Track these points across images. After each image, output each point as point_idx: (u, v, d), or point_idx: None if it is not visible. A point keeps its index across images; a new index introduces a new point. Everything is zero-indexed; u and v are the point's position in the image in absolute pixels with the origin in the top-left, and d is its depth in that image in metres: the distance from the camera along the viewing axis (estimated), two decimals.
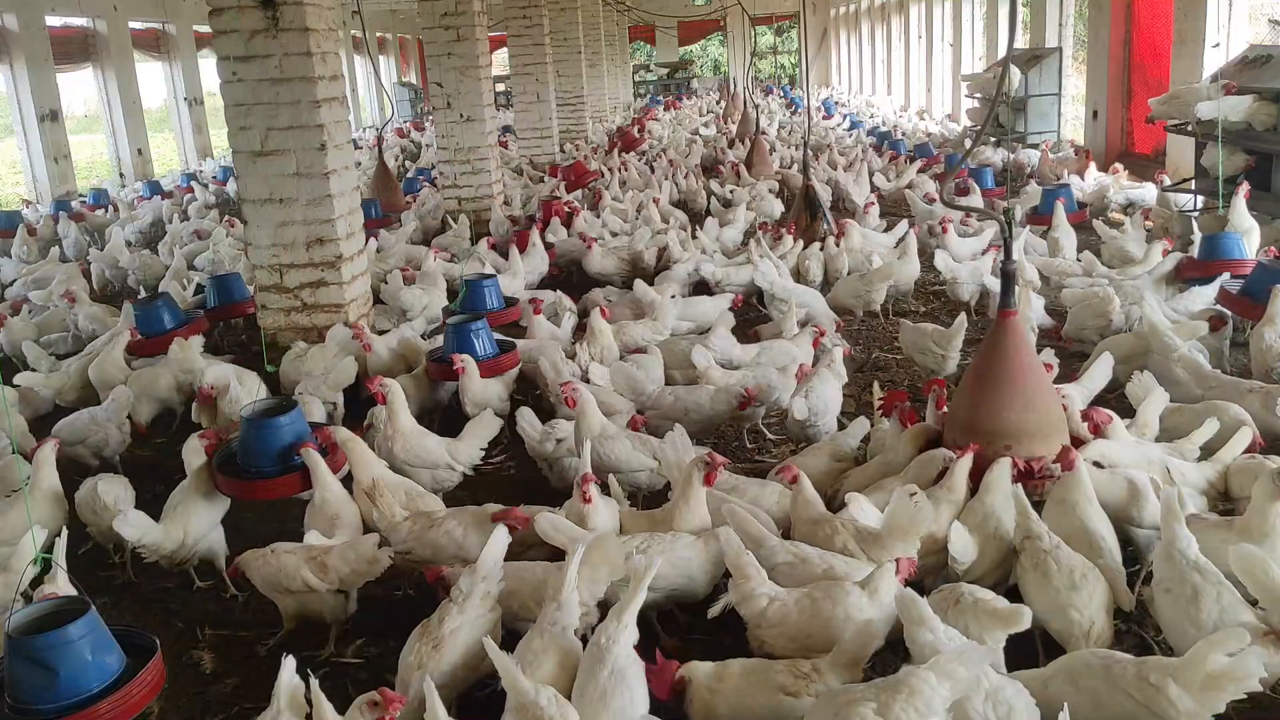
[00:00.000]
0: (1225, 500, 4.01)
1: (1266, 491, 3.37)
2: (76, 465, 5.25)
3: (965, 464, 3.88)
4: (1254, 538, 3.33)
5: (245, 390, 5.63)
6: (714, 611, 3.37)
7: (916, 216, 9.70)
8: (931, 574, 3.65)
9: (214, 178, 16.83)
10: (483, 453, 4.95)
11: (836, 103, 25.80)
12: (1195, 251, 6.67)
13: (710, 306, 6.93)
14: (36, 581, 3.76)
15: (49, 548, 3.74)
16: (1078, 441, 4.07)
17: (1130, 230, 8.08)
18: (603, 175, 13.17)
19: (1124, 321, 6.04)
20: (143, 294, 8.65)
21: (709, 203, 11.52)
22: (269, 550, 3.78)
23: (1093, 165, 11.66)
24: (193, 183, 15.76)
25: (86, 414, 5.49)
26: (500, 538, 3.41)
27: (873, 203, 9.96)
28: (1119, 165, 11.66)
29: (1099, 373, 4.95)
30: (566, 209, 10.29)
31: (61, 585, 3.59)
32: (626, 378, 5.41)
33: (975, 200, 9.84)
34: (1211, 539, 3.36)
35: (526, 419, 4.92)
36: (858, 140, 16.89)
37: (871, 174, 12.39)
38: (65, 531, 3.93)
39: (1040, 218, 8.79)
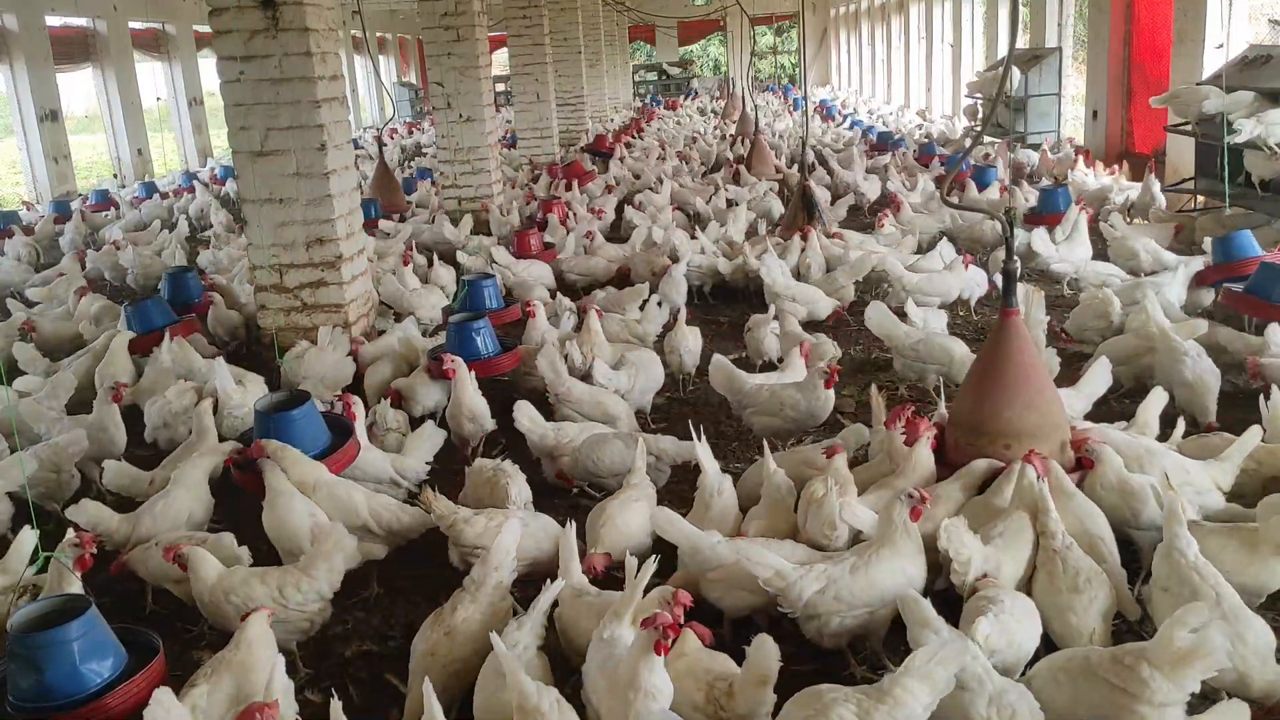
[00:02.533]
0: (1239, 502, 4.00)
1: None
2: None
3: (981, 466, 3.91)
4: (1262, 552, 3.33)
5: (249, 393, 5.61)
6: None
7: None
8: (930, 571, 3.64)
9: (215, 177, 16.85)
10: (428, 466, 4.85)
11: (840, 104, 25.80)
12: (1209, 253, 6.71)
13: (954, 281, 7.04)
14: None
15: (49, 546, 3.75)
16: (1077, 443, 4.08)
17: (1133, 230, 8.08)
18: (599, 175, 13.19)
19: (1122, 323, 6.05)
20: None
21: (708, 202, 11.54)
22: (152, 544, 3.95)
23: (1081, 161, 11.64)
24: (193, 183, 15.77)
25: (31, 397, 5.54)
26: (514, 528, 3.44)
27: (886, 215, 9.94)
28: (1116, 166, 11.65)
29: (1098, 378, 4.92)
30: (567, 208, 10.32)
31: (65, 583, 3.60)
32: (725, 375, 5.22)
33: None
34: (1210, 546, 3.33)
35: (526, 413, 4.86)
36: (840, 139, 16.93)
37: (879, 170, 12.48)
38: (71, 530, 3.93)
39: (1037, 217, 8.79)
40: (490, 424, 5.33)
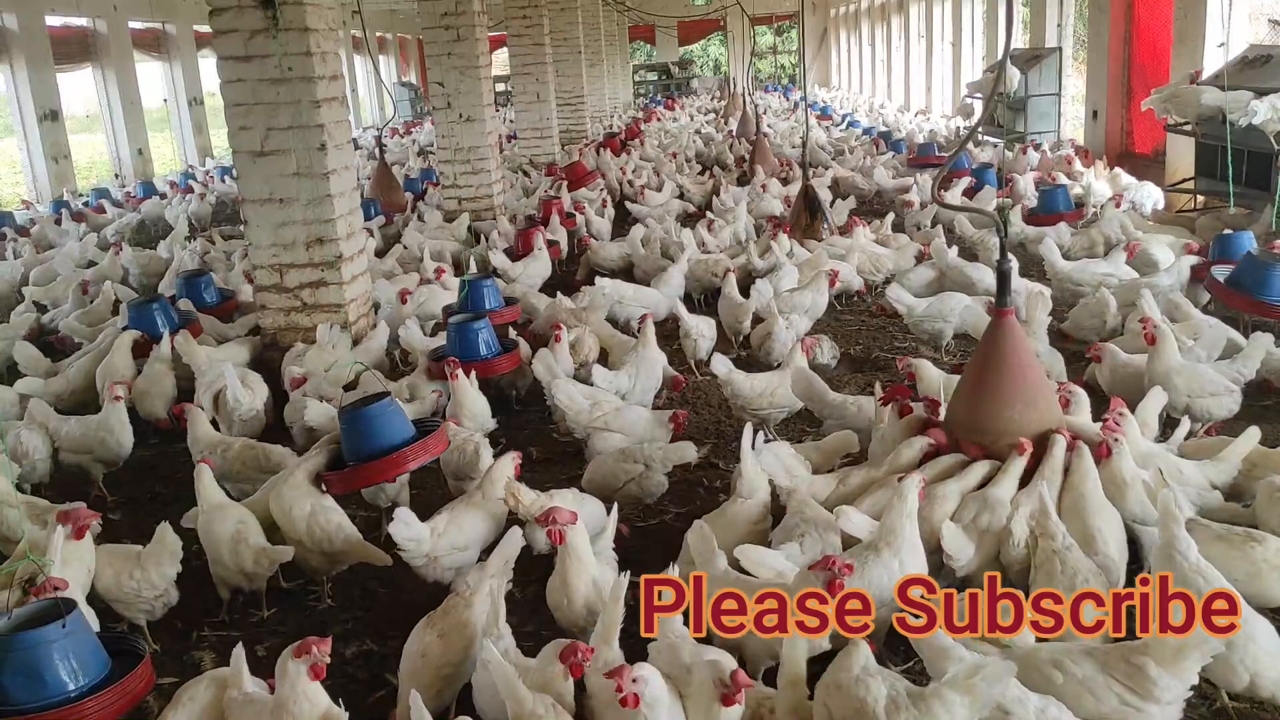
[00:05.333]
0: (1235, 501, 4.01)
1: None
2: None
3: (982, 467, 3.89)
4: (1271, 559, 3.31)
5: (252, 392, 5.60)
6: None
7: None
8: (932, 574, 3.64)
9: (211, 176, 16.85)
10: None
11: (835, 104, 25.85)
12: (1210, 253, 6.71)
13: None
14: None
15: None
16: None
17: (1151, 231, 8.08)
18: (603, 176, 13.18)
19: (1118, 324, 6.06)
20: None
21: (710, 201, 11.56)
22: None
23: (1076, 163, 11.63)
24: (191, 182, 15.77)
25: None
26: (515, 539, 3.44)
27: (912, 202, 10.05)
28: (1113, 167, 11.65)
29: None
30: (567, 211, 10.32)
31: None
32: (806, 384, 5.12)
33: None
34: (1213, 550, 3.30)
35: (564, 390, 5.07)
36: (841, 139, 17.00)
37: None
38: (61, 530, 3.92)
39: (1036, 218, 8.79)
40: (491, 423, 5.34)
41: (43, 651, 3.00)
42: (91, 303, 7.98)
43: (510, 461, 4.17)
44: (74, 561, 3.60)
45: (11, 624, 3.11)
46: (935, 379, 4.98)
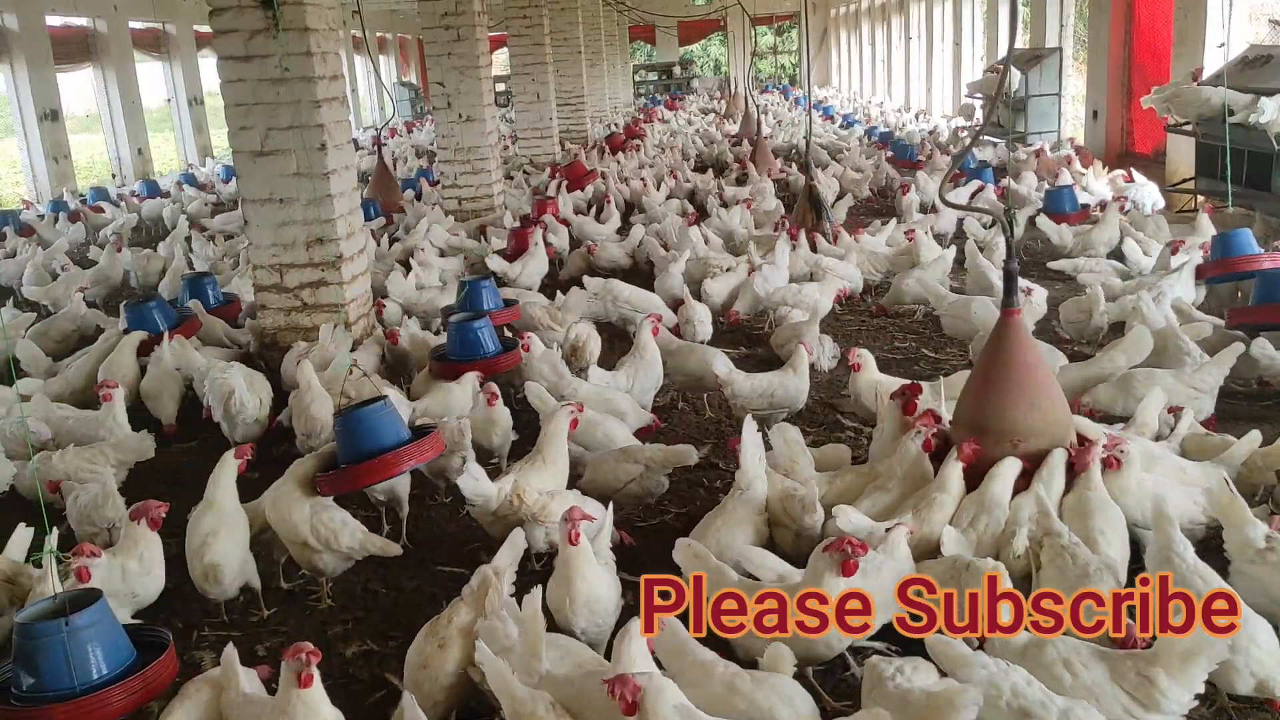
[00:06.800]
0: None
1: None
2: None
3: (956, 464, 3.88)
4: None
5: (255, 393, 5.58)
6: None
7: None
8: None
9: (215, 177, 16.86)
10: None
11: (836, 104, 25.84)
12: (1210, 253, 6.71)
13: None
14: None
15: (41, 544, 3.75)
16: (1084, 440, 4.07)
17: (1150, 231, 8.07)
18: (603, 175, 13.18)
19: (1104, 322, 6.05)
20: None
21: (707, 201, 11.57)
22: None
23: (1076, 164, 11.62)
24: (182, 182, 15.79)
25: None
26: (518, 540, 3.43)
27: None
28: (1111, 170, 11.65)
29: None
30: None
31: (52, 583, 3.57)
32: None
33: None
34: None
35: (535, 393, 5.05)
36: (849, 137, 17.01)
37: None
38: (55, 530, 3.92)
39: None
40: (513, 435, 5.34)
41: (48, 643, 3.02)
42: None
43: (567, 415, 4.38)
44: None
45: (56, 605, 3.14)
46: (874, 374, 5.17)
